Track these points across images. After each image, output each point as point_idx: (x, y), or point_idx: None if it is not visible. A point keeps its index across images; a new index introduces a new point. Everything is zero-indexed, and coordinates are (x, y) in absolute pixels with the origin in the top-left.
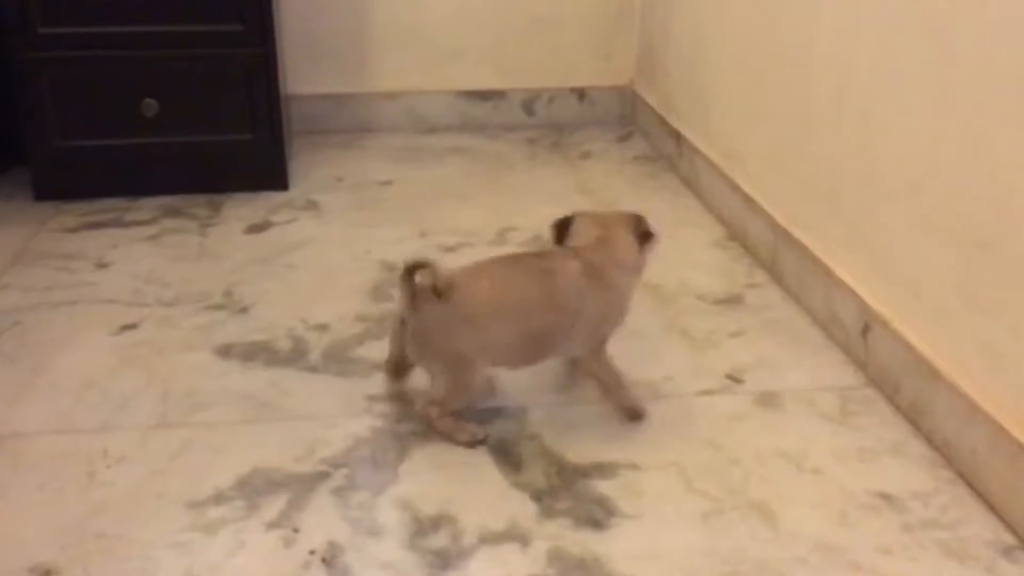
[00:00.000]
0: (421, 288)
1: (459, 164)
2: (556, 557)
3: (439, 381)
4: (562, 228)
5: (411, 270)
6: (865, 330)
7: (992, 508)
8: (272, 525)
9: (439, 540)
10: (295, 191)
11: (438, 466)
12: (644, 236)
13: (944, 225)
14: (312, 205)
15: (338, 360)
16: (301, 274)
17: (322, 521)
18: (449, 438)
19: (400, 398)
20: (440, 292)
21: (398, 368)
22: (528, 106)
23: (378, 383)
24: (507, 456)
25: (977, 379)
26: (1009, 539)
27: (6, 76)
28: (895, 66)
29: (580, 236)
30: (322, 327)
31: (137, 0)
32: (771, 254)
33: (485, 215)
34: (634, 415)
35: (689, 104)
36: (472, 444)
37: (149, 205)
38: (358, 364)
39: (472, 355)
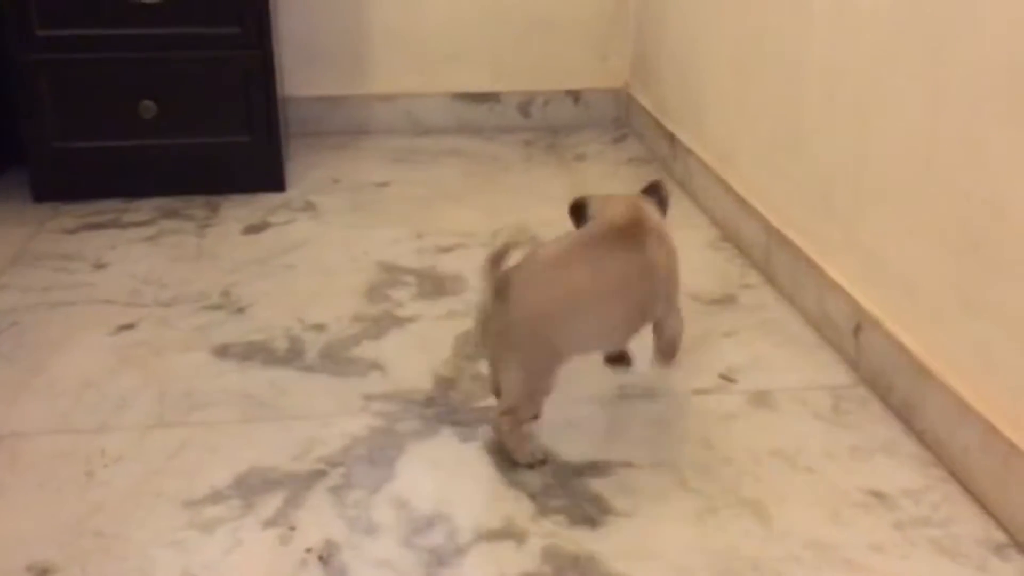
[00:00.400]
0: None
1: (455, 166)
2: (551, 555)
3: (514, 384)
4: (578, 210)
5: (498, 257)
6: (857, 330)
7: (984, 506)
8: (269, 523)
9: (435, 538)
10: (292, 192)
11: (434, 464)
12: (662, 201)
13: (936, 226)
14: (309, 206)
15: (335, 360)
16: (298, 275)
17: (319, 519)
18: (511, 453)
19: (397, 397)
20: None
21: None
22: (524, 108)
23: (374, 382)
24: (502, 454)
25: (969, 378)
26: (1000, 537)
27: (5, 77)
28: (887, 67)
29: (608, 210)
30: (319, 327)
31: (135, 2)
32: (764, 255)
33: (481, 216)
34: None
35: (683, 106)
36: (531, 465)
37: (147, 206)
38: (355, 364)
39: (566, 349)
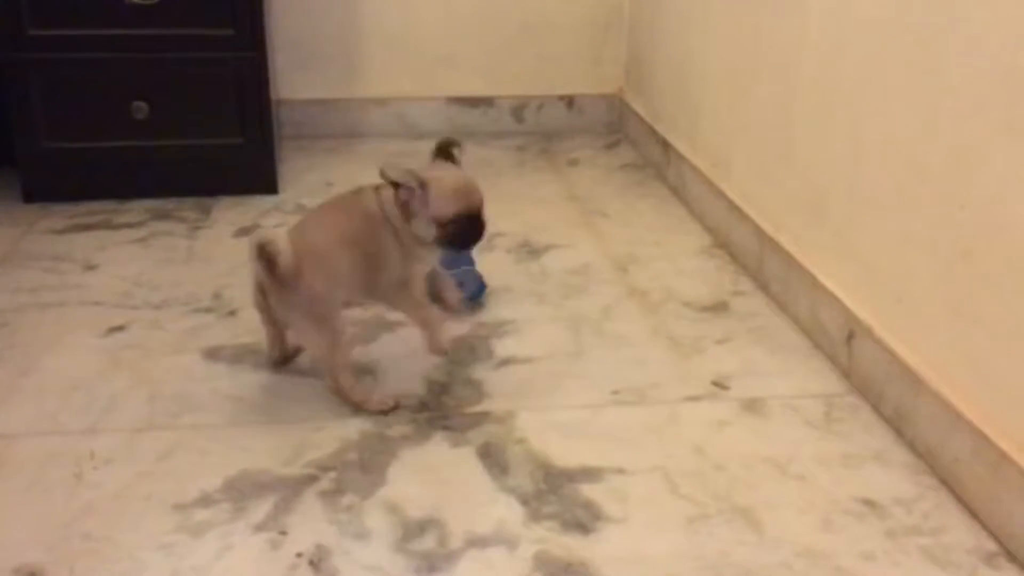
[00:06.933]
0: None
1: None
2: (543, 561)
3: (311, 339)
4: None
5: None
6: (849, 338)
7: (974, 515)
8: (259, 528)
9: (426, 543)
10: (285, 195)
11: (425, 470)
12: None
13: (928, 234)
14: (302, 209)
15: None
16: None
17: (309, 524)
18: (361, 406)
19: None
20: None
21: (281, 344)
22: (517, 113)
23: (366, 387)
24: (494, 460)
25: (960, 387)
26: (991, 546)
27: None
28: (881, 76)
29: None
30: None
31: (128, 3)
32: (757, 262)
33: None
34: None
35: (677, 113)
36: (384, 412)
37: (138, 208)
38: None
39: (329, 295)
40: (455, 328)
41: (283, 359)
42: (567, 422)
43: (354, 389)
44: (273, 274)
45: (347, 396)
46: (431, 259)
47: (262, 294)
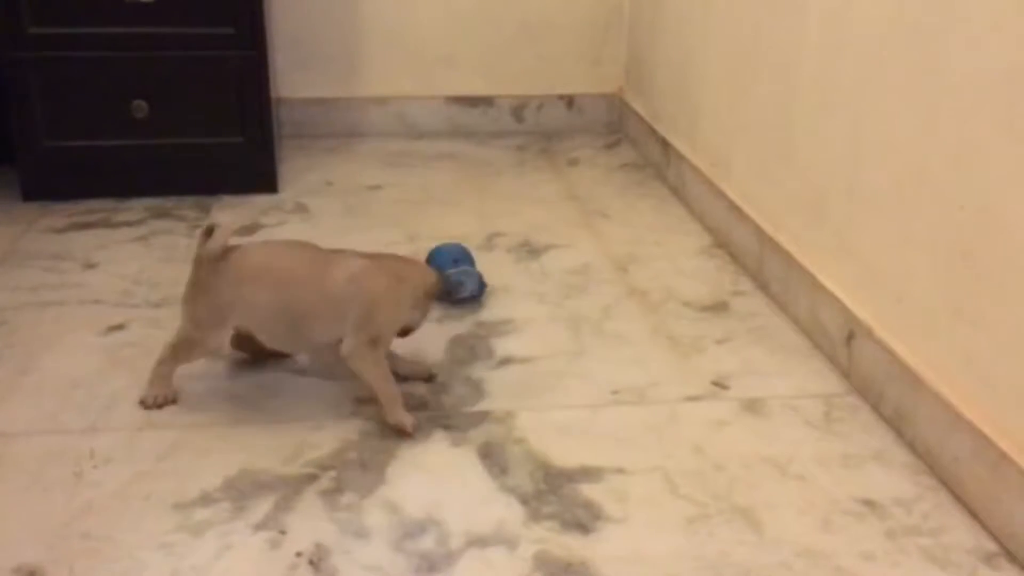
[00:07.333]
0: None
1: (448, 170)
2: (542, 560)
3: (183, 328)
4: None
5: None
6: (849, 338)
7: (974, 515)
8: (259, 527)
9: (426, 543)
10: (284, 194)
11: (425, 469)
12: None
13: (928, 234)
14: (301, 208)
15: (326, 363)
16: None
17: (309, 523)
18: (149, 384)
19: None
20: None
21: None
22: (517, 113)
23: (366, 386)
24: (494, 459)
25: (960, 387)
26: (991, 546)
27: None
28: (880, 75)
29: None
30: None
31: (129, 1)
32: (757, 262)
33: (473, 220)
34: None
35: (676, 112)
36: (153, 406)
37: (138, 206)
38: (346, 367)
39: (228, 311)
40: (455, 327)
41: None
42: (567, 422)
43: (161, 381)
44: (201, 248)
45: (156, 369)
46: None
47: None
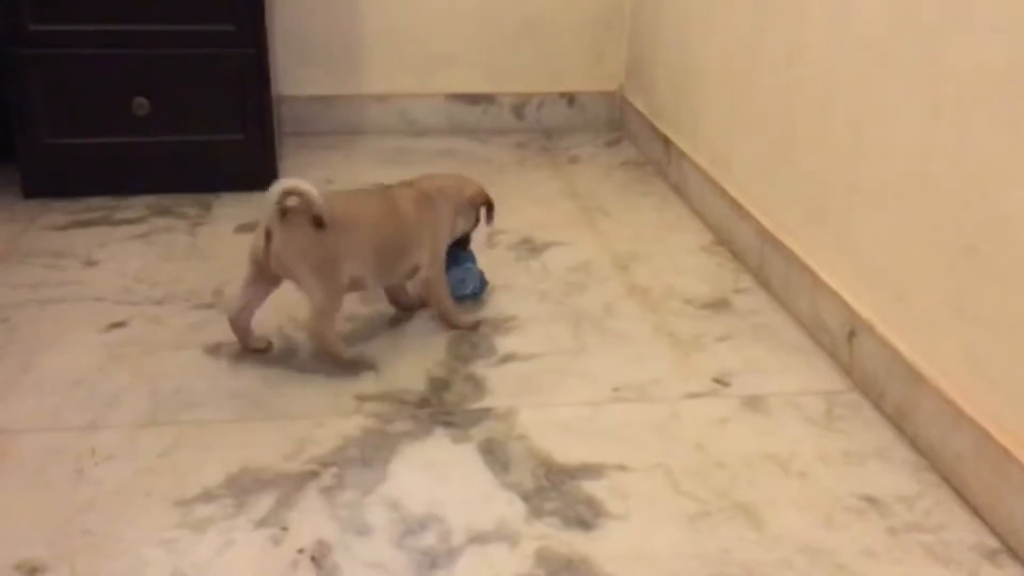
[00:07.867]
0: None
1: (449, 167)
2: (544, 557)
3: (312, 288)
4: None
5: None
6: (851, 335)
7: (976, 512)
8: (261, 524)
9: (427, 539)
10: None
11: (427, 466)
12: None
13: (930, 231)
14: None
15: (327, 359)
16: None
17: (311, 520)
18: (335, 358)
19: (389, 398)
20: (320, 222)
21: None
22: (518, 110)
23: (367, 383)
24: (495, 456)
25: (961, 384)
26: (993, 543)
27: None
28: (882, 73)
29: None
30: None
31: None
32: (758, 259)
33: None
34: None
35: (677, 110)
36: (358, 370)
37: (138, 204)
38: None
39: (340, 258)
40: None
41: (245, 326)
42: (568, 419)
43: (337, 342)
44: (309, 212)
45: (327, 344)
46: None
47: (268, 239)
